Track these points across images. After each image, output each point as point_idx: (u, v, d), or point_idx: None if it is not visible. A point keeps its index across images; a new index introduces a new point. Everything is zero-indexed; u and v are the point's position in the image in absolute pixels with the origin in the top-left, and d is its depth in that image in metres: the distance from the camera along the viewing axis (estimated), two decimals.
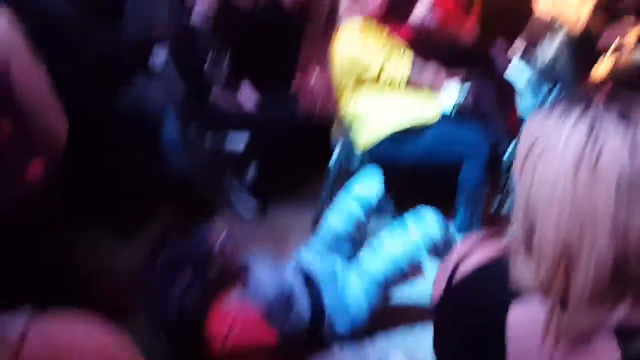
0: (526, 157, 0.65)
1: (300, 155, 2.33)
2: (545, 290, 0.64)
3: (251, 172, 2.54)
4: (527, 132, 0.67)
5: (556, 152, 0.61)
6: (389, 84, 2.25)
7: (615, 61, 2.65)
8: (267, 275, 1.60)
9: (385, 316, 1.83)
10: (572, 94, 2.70)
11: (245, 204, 2.56)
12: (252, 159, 2.54)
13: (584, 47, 2.58)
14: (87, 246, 2.16)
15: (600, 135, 0.59)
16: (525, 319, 0.67)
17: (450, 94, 2.35)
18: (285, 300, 1.60)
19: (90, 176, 2.28)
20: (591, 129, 0.59)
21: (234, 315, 1.43)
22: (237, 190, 2.56)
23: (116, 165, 2.32)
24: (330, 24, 2.33)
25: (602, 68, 2.69)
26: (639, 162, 0.57)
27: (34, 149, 1.02)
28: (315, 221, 2.43)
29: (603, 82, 2.56)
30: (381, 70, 2.22)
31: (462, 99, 2.37)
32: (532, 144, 0.64)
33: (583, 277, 0.60)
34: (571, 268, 0.61)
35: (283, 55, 2.57)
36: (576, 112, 0.62)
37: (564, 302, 0.63)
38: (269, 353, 1.50)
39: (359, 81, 2.26)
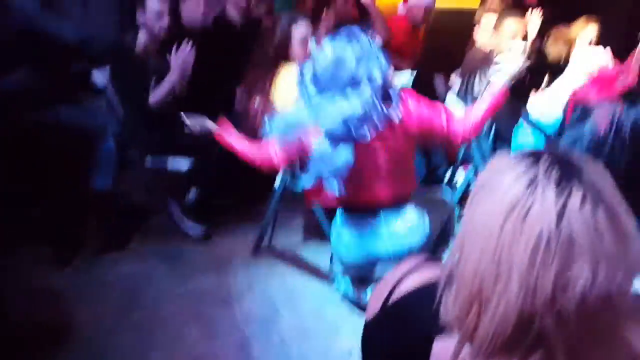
0: (476, 193, 0.68)
1: (243, 179, 2.32)
2: (459, 327, 0.67)
3: (193, 195, 2.53)
4: (486, 169, 0.70)
5: (496, 196, 0.64)
6: None
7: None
8: None
9: None
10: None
11: (189, 227, 2.53)
12: (194, 184, 2.53)
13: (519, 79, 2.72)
14: (15, 272, 2.08)
15: (535, 193, 0.62)
16: (443, 353, 0.70)
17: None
18: None
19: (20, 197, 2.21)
20: (529, 184, 0.62)
21: None
22: (180, 212, 2.54)
23: (47, 183, 2.24)
24: (277, 57, 2.28)
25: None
26: (561, 228, 0.60)
27: None
28: (257, 245, 2.43)
29: None
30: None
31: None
32: (484, 183, 0.67)
33: (489, 322, 0.63)
34: (482, 310, 0.64)
35: (228, 78, 2.56)
36: (524, 165, 0.64)
37: (472, 342, 0.66)
38: None
39: None
